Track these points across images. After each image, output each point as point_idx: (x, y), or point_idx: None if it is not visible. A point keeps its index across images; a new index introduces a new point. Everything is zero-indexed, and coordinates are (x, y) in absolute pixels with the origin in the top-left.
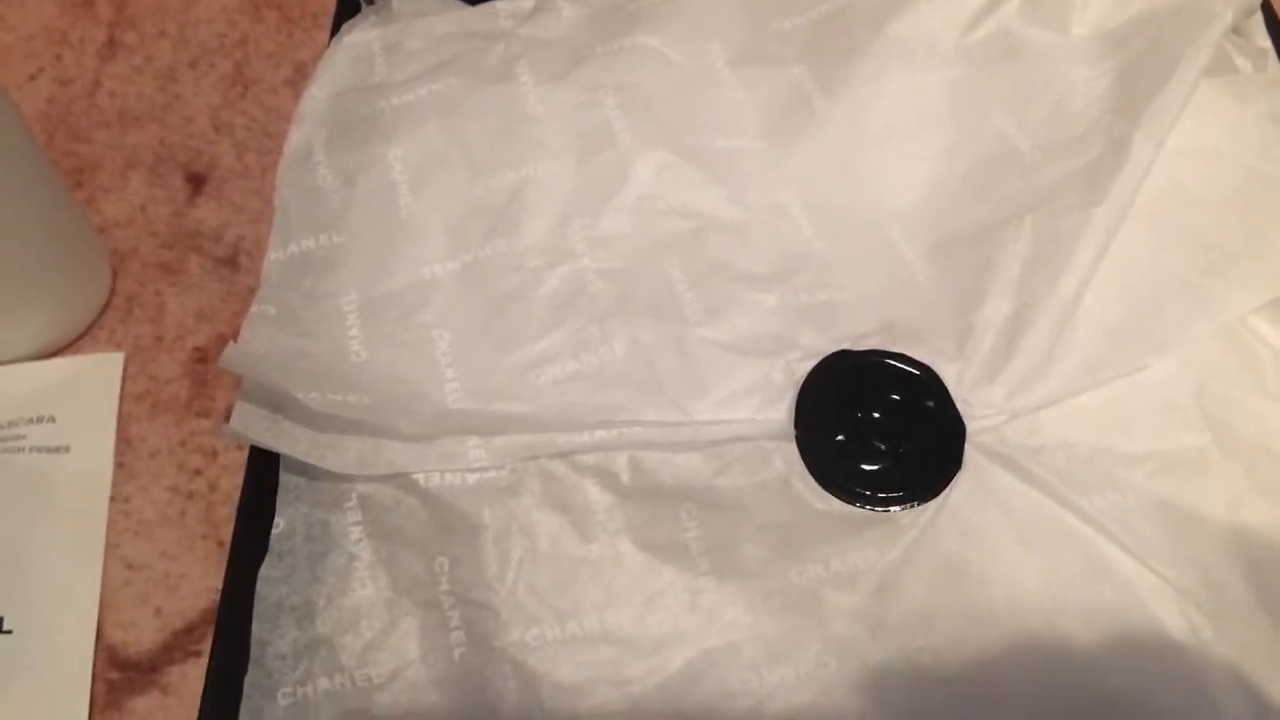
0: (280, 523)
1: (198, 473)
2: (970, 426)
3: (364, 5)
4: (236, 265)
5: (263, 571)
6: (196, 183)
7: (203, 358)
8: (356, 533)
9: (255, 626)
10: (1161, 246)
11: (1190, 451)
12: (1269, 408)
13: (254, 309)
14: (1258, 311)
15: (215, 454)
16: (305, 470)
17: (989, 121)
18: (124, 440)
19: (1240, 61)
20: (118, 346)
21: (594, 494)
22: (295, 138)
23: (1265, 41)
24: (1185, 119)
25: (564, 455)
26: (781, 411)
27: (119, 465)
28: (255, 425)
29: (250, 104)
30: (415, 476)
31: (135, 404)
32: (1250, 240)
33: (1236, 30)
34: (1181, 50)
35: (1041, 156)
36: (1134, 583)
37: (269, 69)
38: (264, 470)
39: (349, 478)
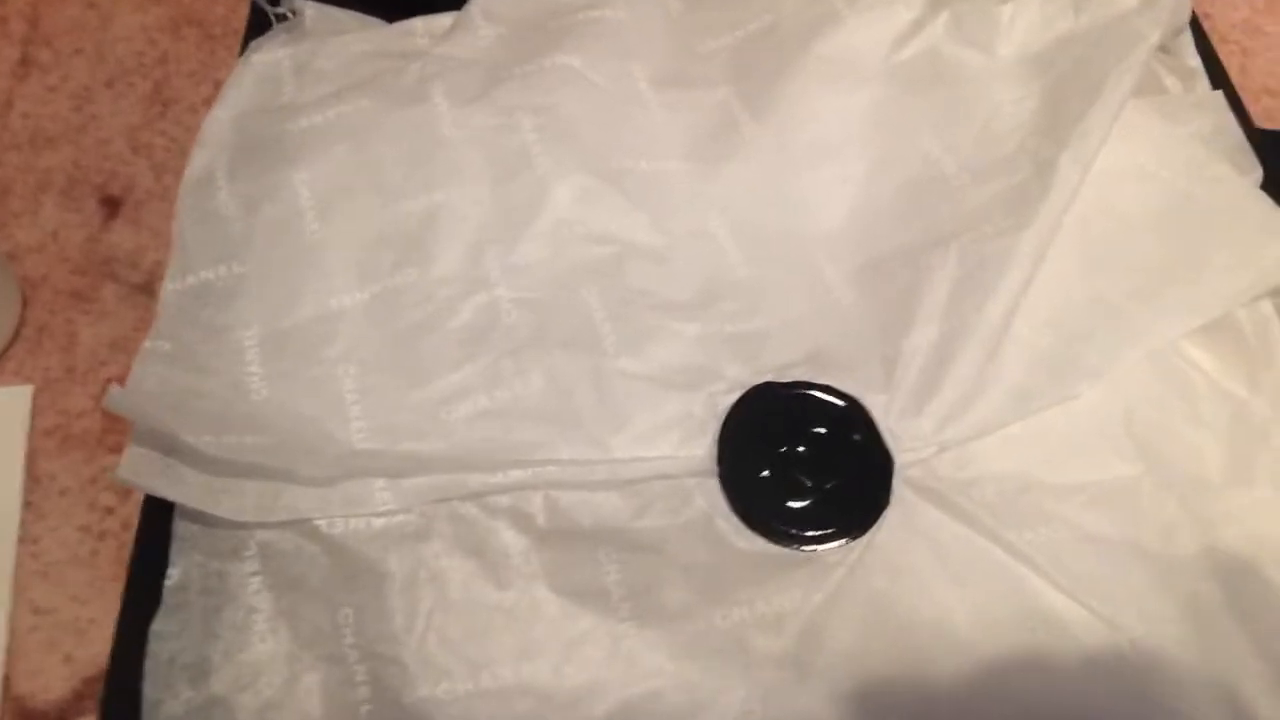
0: (174, 573)
1: (110, 511)
2: (899, 460)
3: (275, 22)
4: (153, 293)
5: (154, 626)
6: (112, 206)
7: None
8: (255, 583)
9: (146, 686)
10: (1090, 270)
11: (1122, 482)
12: (1201, 436)
13: (146, 344)
14: (1189, 335)
15: (129, 492)
16: (201, 517)
17: (916, 143)
18: (32, 478)
19: (1169, 81)
20: (26, 379)
21: (508, 537)
22: (196, 162)
23: (1195, 61)
24: (1113, 140)
25: (476, 497)
26: (703, 447)
27: (27, 504)
28: (146, 470)
29: (169, 124)
30: (318, 522)
31: (44, 439)
32: (1181, 263)
33: (1165, 49)
34: (1108, 71)
35: (968, 179)
36: (1067, 619)
37: (189, 88)
38: (161, 517)
39: (247, 525)
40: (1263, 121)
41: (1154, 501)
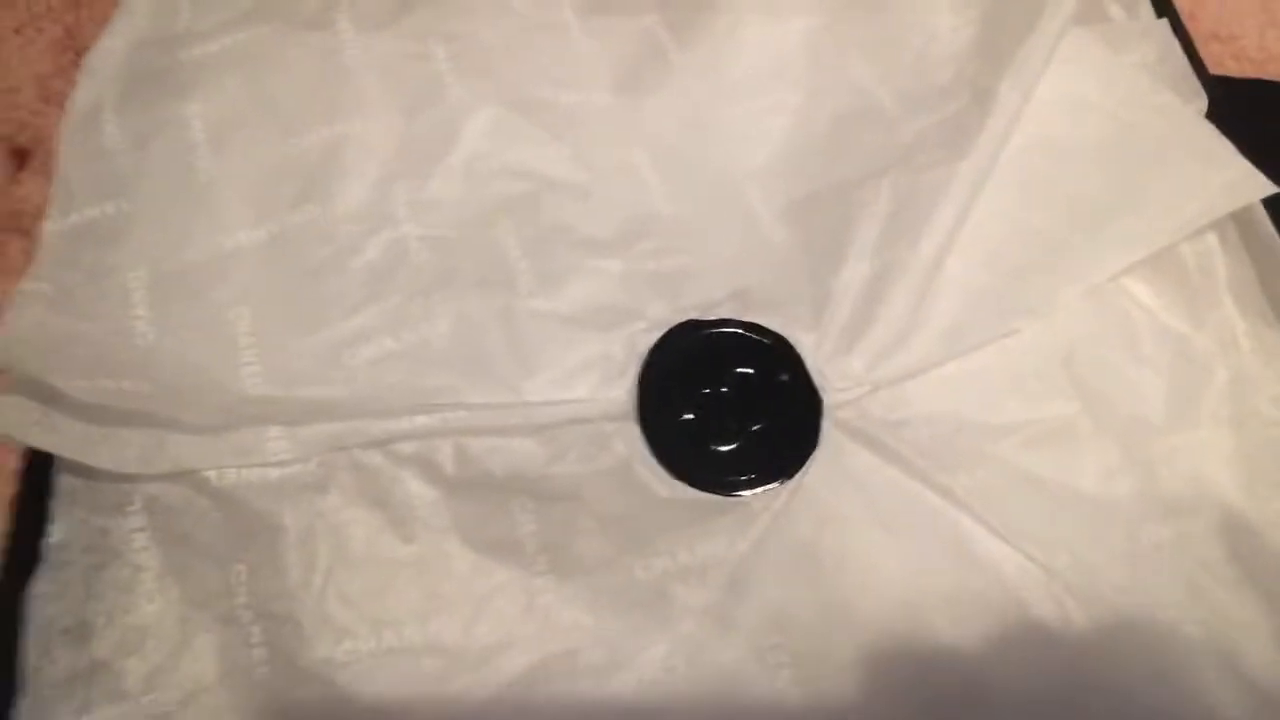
0: (55, 531)
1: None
2: (828, 401)
3: None
4: None
5: (34, 588)
6: (20, 158)
7: None
8: (141, 540)
9: (27, 650)
10: (1029, 204)
11: (1060, 421)
12: (1142, 374)
13: (24, 286)
14: (1131, 271)
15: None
16: (85, 471)
17: (851, 73)
18: None
19: (1113, 9)
20: None
21: (415, 487)
22: (82, 95)
23: None
24: (1054, 69)
25: (379, 444)
26: (623, 389)
27: None
28: (19, 420)
29: None
30: (208, 474)
31: None
32: (1122, 195)
33: None
34: None
35: (904, 109)
36: (1002, 567)
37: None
38: (44, 471)
39: (132, 478)
40: (1211, 67)
41: (1093, 442)
